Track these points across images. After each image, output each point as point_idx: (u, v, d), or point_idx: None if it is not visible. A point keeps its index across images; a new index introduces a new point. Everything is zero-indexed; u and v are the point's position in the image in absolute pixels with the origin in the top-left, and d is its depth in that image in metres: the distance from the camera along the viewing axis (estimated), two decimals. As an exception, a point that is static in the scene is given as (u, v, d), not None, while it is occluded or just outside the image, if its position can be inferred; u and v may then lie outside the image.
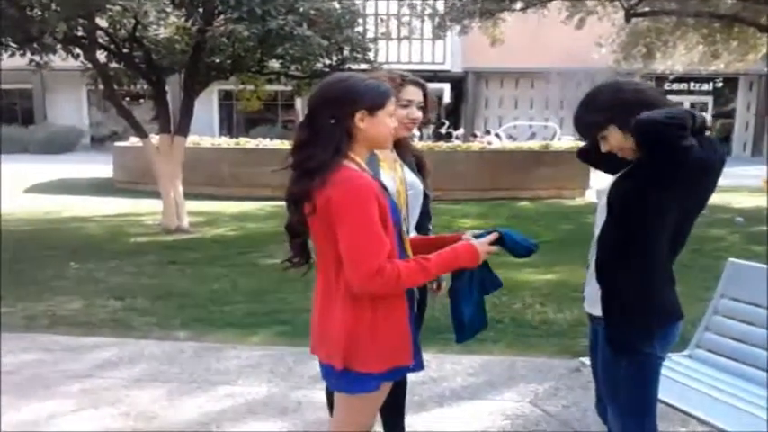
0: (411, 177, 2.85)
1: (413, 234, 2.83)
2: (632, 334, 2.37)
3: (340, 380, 2.24)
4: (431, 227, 3.03)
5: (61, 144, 29.79)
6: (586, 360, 3.29)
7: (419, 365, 2.34)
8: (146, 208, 12.15)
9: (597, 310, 2.45)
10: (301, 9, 8.77)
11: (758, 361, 3.10)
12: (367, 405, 2.34)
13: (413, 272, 2.13)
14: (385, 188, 2.21)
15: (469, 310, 2.46)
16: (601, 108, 2.34)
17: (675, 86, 30.86)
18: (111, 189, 15.75)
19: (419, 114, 2.81)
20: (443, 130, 25.11)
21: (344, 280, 2.12)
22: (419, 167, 2.97)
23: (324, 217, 2.09)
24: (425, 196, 2.94)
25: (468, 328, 2.50)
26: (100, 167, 18.58)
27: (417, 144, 16.18)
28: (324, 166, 2.08)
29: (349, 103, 2.13)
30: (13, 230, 9.79)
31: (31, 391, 4.02)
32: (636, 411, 2.46)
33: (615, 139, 2.34)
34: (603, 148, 2.39)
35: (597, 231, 2.44)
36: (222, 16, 9.12)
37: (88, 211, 12.31)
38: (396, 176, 2.77)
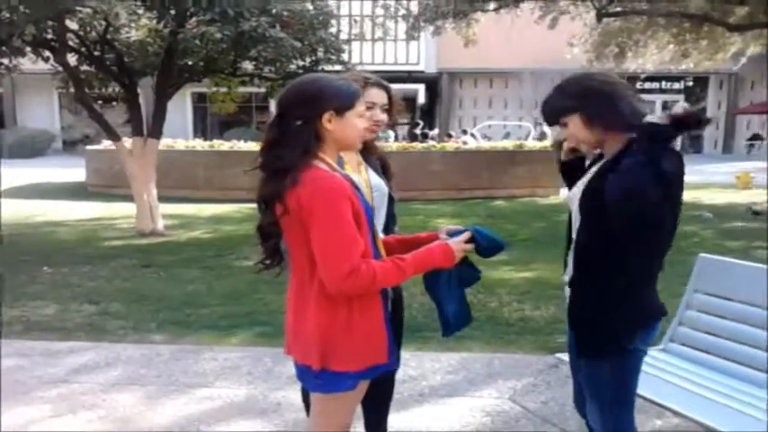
0: (376, 180, 2.84)
1: (380, 237, 2.84)
2: (615, 334, 2.39)
3: (317, 380, 2.23)
4: (396, 229, 3.01)
5: (32, 148, 29.42)
6: (563, 356, 3.33)
7: (395, 363, 2.35)
8: (119, 211, 12.04)
9: None
10: (274, 11, 8.76)
11: (731, 354, 3.16)
12: (344, 404, 2.35)
13: (388, 272, 2.13)
14: (357, 188, 2.21)
15: (452, 306, 2.47)
16: (569, 95, 2.37)
17: (647, 85, 31.32)
18: (84, 193, 15.61)
19: (383, 117, 2.81)
20: (418, 131, 25.17)
21: (318, 280, 2.11)
22: (383, 169, 2.97)
23: (295, 218, 2.08)
24: (390, 198, 2.94)
25: (453, 324, 2.51)
26: (72, 171, 18.40)
27: (393, 145, 16.27)
28: (292, 166, 2.08)
29: (316, 104, 2.13)
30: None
31: (9, 397, 3.96)
32: (617, 405, 2.49)
33: (575, 128, 2.37)
34: (561, 135, 2.45)
35: (574, 235, 2.46)
36: (194, 18, 9.07)
37: (61, 215, 12.19)
38: (360, 179, 2.77)
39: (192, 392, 4.08)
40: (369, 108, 2.72)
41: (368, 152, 2.89)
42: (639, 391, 2.77)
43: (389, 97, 2.84)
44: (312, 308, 2.16)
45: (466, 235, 2.37)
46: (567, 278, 2.52)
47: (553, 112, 2.44)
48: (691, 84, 32.49)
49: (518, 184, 14.79)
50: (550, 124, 2.51)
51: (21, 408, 3.86)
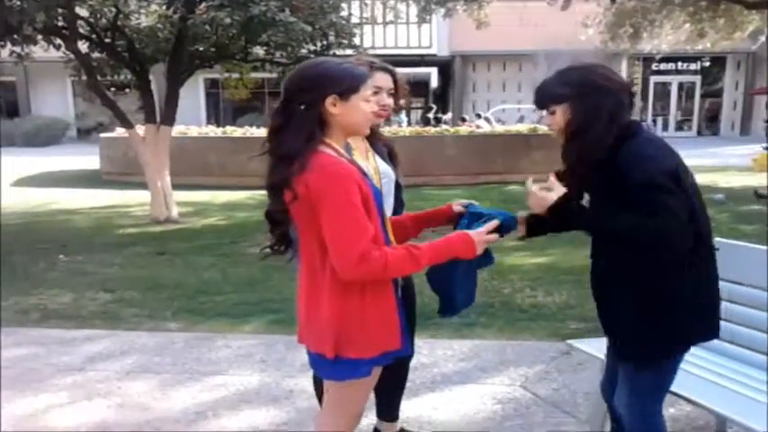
0: (384, 166, 2.83)
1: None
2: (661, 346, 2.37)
3: (331, 368, 2.23)
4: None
5: (47, 136, 29.58)
6: (574, 343, 3.33)
7: (407, 349, 2.34)
8: (134, 199, 12.10)
9: None
10: (284, -5, 8.70)
11: (753, 343, 3.12)
12: (358, 391, 2.35)
13: (401, 260, 2.11)
14: (365, 173, 2.19)
15: (462, 294, 2.46)
16: (566, 82, 2.34)
17: (663, 66, 30.98)
18: (98, 181, 15.69)
19: (389, 101, 2.79)
20: (431, 115, 25.06)
21: (331, 267, 2.10)
22: (390, 155, 2.96)
23: (305, 203, 2.07)
24: (397, 185, 2.93)
25: (458, 309, 2.50)
26: (87, 159, 18.50)
27: (405, 129, 16.22)
28: (297, 152, 2.06)
29: (319, 89, 2.10)
30: (3, 224, 9.73)
31: (25, 385, 4.02)
32: (651, 397, 2.48)
33: (561, 117, 2.35)
34: (546, 121, 2.42)
35: None
36: (204, 3, 9.05)
37: (76, 203, 12.26)
38: (369, 165, 2.76)
39: (205, 380, 4.11)
40: (375, 93, 2.70)
41: (374, 138, 2.88)
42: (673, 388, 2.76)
43: (395, 81, 2.81)
44: (325, 296, 2.15)
45: (491, 225, 2.32)
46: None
47: (546, 96, 2.41)
48: (707, 64, 32.05)
49: (533, 168, 14.58)
50: (540, 108, 2.46)
51: (36, 396, 3.90)
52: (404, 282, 2.69)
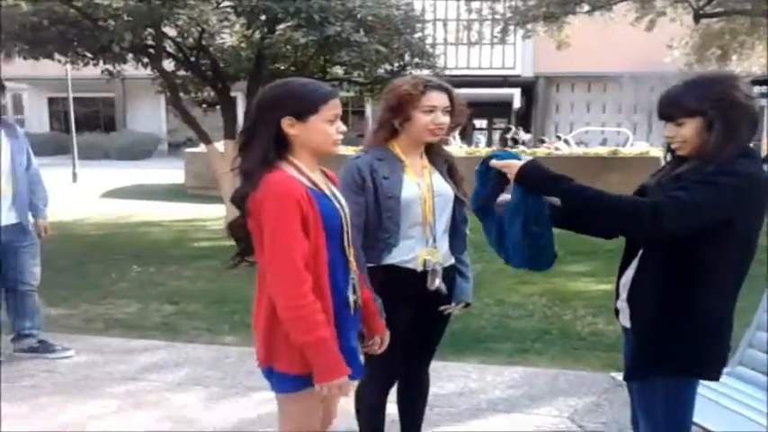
0: (440, 185, 2.82)
1: (443, 240, 2.83)
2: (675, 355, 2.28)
3: (269, 378, 2.30)
4: (467, 231, 2.98)
5: (140, 150, 30.88)
6: (618, 375, 3.20)
7: (355, 373, 2.28)
8: (213, 213, 12.39)
9: None
10: (359, 15, 8.80)
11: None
12: (296, 408, 2.31)
13: (308, 321, 2.10)
14: (323, 195, 2.22)
15: (511, 242, 2.44)
16: (705, 98, 2.18)
17: (756, 89, 29.69)
18: (182, 194, 16.17)
19: (444, 119, 2.77)
20: (509, 135, 24.80)
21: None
22: (450, 172, 2.93)
23: (255, 219, 2.15)
24: (460, 202, 2.90)
25: (513, 256, 2.47)
26: (175, 173, 19.11)
27: (482, 150, 16.09)
28: (254, 169, 2.15)
29: (276, 109, 2.18)
30: (84, 234, 10.17)
31: (77, 392, 4.16)
32: (670, 430, 2.37)
33: (691, 131, 2.21)
34: (668, 132, 2.29)
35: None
36: (284, 24, 9.26)
37: (158, 215, 12.68)
38: (422, 183, 2.76)
39: (252, 395, 4.14)
40: (429, 111, 2.70)
41: (434, 156, 2.88)
42: (698, 419, 2.63)
43: (451, 100, 2.80)
44: (263, 305, 2.22)
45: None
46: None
47: (677, 107, 2.25)
48: (801, 88, 30.52)
49: (610, 191, 14.29)
50: (666, 119, 2.30)
51: (86, 402, 4.03)
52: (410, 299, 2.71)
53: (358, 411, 3.00)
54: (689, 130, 2.21)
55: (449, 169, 2.92)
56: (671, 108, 2.27)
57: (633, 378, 2.42)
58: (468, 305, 3.01)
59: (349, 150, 14.37)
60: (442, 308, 2.90)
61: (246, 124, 2.26)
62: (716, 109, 2.15)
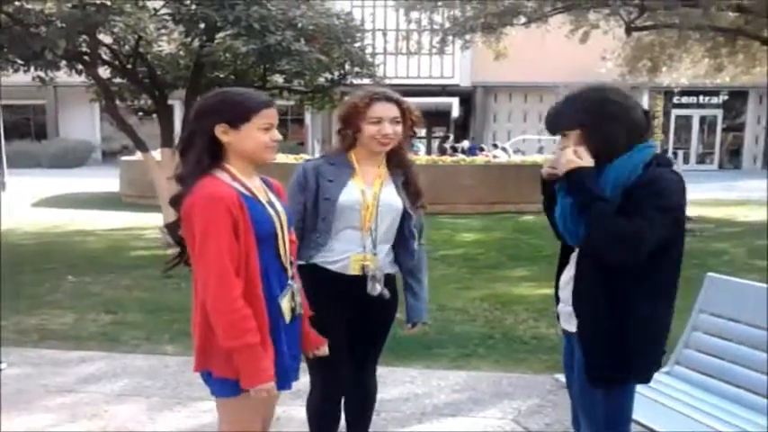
0: (388, 196, 2.83)
1: (383, 248, 2.84)
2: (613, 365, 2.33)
3: (207, 382, 2.33)
4: (416, 246, 2.96)
5: (73, 158, 30.08)
6: (561, 377, 3.26)
7: (281, 383, 2.29)
8: (149, 222, 12.15)
9: (573, 327, 2.42)
10: (300, 25, 8.80)
11: (735, 378, 3.05)
12: (236, 411, 2.32)
13: (236, 327, 2.12)
14: (257, 201, 2.25)
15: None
16: (583, 109, 2.31)
17: (685, 100, 30.77)
18: (118, 203, 15.85)
19: (390, 130, 2.78)
20: (448, 144, 25.07)
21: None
22: (405, 183, 2.93)
23: (187, 224, 2.19)
24: (409, 216, 2.90)
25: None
26: (109, 181, 18.69)
27: (422, 158, 16.21)
28: (188, 175, 2.22)
29: (210, 117, 2.23)
30: (16, 244, 9.83)
31: (11, 406, 4.01)
32: (611, 431, 2.43)
33: (575, 142, 2.32)
34: (563, 143, 2.38)
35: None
36: (223, 32, 9.18)
37: (93, 224, 12.38)
38: (369, 191, 2.78)
39: (193, 405, 4.08)
40: (376, 122, 2.73)
41: (394, 167, 2.90)
42: (638, 417, 2.70)
43: (402, 110, 2.81)
44: (199, 311, 2.23)
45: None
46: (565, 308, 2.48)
47: (556, 122, 2.40)
48: (727, 98, 31.82)
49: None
50: (552, 133, 2.46)
51: (20, 416, 3.89)
52: (374, 297, 2.72)
53: (309, 419, 2.99)
54: (573, 141, 2.33)
55: (405, 182, 2.93)
56: (553, 122, 2.42)
57: (596, 385, 2.43)
58: (425, 324, 3.06)
59: (289, 158, 14.43)
60: (406, 332, 3.03)
61: (184, 132, 2.31)
62: (590, 120, 2.29)
